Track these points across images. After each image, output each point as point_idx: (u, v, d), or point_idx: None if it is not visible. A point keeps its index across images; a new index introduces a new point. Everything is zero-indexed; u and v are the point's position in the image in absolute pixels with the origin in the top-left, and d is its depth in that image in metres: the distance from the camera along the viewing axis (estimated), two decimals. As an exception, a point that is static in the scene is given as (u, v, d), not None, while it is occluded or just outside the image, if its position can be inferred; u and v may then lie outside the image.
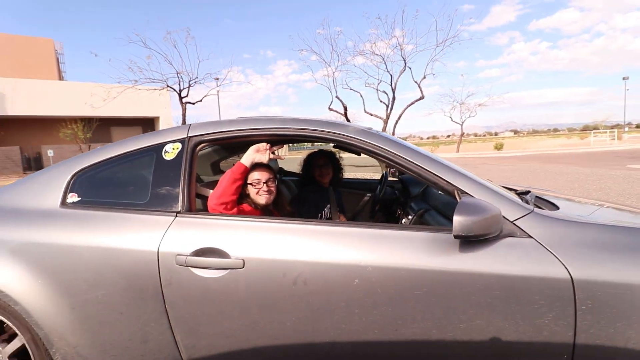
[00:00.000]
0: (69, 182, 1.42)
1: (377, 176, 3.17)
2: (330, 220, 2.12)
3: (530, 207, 1.21)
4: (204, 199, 1.60)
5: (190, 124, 1.46)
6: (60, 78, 28.06)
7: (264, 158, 1.50)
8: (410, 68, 15.96)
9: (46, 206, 1.38)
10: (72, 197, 1.40)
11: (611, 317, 1.04)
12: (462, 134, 27.82)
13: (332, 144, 1.76)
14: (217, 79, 16.78)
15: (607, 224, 1.20)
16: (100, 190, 1.42)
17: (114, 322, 1.24)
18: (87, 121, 21.28)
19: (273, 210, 1.72)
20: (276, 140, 1.56)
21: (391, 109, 16.31)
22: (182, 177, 1.35)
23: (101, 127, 22.36)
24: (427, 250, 1.14)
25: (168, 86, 15.60)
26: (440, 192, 1.62)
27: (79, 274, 1.25)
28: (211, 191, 1.50)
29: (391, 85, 16.14)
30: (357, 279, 1.14)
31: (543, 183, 7.64)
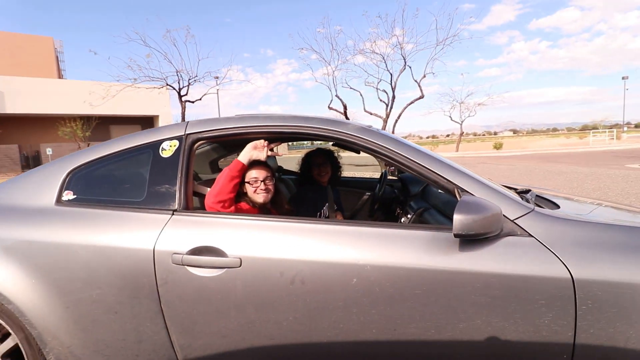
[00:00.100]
0: (64, 180, 1.40)
1: (377, 175, 3.16)
2: (328, 219, 2.10)
3: (531, 205, 1.19)
4: (202, 197, 1.58)
5: (188, 121, 1.44)
6: (60, 76, 27.99)
7: (261, 155, 1.48)
8: (410, 67, 15.94)
9: (41, 204, 1.36)
10: (68, 195, 1.38)
11: (611, 316, 1.03)
12: (462, 134, 27.81)
13: (330, 143, 1.75)
14: (217, 77, 16.76)
15: (608, 223, 1.19)
16: (96, 188, 1.41)
17: (108, 322, 1.23)
18: (86, 119, 21.23)
19: (271, 209, 1.71)
20: (275, 138, 1.54)
21: (391, 108, 16.29)
22: (179, 175, 1.34)
23: (100, 126, 22.30)
24: (426, 249, 1.12)
25: (167, 85, 15.56)
26: (440, 190, 1.60)
27: (73, 273, 1.23)
28: (209, 189, 1.48)
29: (391, 84, 16.12)
30: (355, 278, 1.12)
31: (542, 182, 7.64)
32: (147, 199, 1.32)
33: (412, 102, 16.52)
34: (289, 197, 2.29)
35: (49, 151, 20.73)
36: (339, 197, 2.40)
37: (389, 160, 1.28)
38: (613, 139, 26.95)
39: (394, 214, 2.58)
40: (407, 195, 2.51)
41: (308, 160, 2.22)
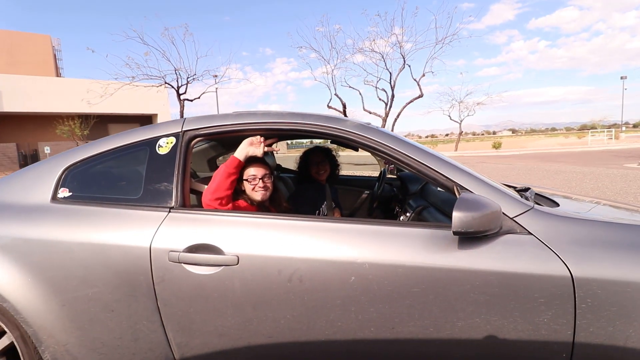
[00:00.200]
0: (60, 177, 1.39)
1: (376, 174, 3.15)
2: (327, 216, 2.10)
3: (530, 203, 1.18)
4: (199, 194, 1.57)
5: (185, 118, 1.43)
6: (58, 75, 27.88)
7: (258, 151, 1.47)
8: (409, 66, 15.91)
9: (36, 201, 1.35)
10: (63, 192, 1.36)
11: (611, 315, 1.02)
12: (461, 133, 27.84)
13: (329, 141, 1.74)
14: (216, 76, 16.71)
15: (608, 221, 1.19)
16: (92, 185, 1.39)
17: (104, 320, 1.21)
18: (84, 118, 21.17)
19: (270, 207, 1.70)
20: (273, 135, 1.53)
21: (390, 106, 16.28)
22: (176, 172, 1.32)
23: (98, 124, 22.24)
24: (425, 247, 1.11)
25: (166, 83, 15.51)
26: (439, 189, 1.60)
27: (69, 271, 1.22)
28: (206, 186, 1.47)
29: (390, 83, 16.10)
30: (353, 276, 1.11)
31: (541, 182, 7.65)
32: (143, 197, 1.31)
33: (411, 101, 16.50)
34: (287, 195, 2.28)
35: (47, 150, 20.67)
36: (337, 195, 2.40)
37: (388, 157, 1.27)
38: (611, 138, 27.01)
39: (393, 212, 2.57)
40: (406, 193, 2.50)
41: (306, 158, 2.22)
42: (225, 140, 2.30)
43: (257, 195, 1.59)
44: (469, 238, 1.09)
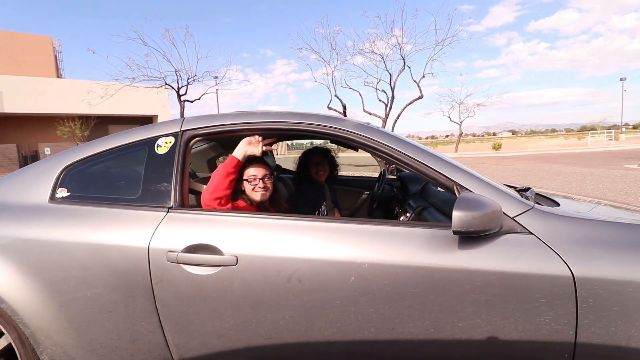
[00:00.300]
0: (58, 177, 1.38)
1: (376, 174, 3.15)
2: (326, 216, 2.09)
3: (531, 203, 1.18)
4: (198, 194, 1.56)
5: (184, 118, 1.43)
6: (59, 76, 27.92)
7: (256, 150, 1.46)
8: (409, 67, 15.94)
9: (34, 201, 1.34)
10: (62, 192, 1.36)
11: (613, 315, 1.01)
12: (461, 134, 27.84)
13: (328, 142, 1.73)
14: (216, 77, 16.73)
15: (609, 220, 1.18)
16: (90, 185, 1.39)
17: (102, 321, 1.21)
18: (84, 119, 21.19)
19: (269, 207, 1.69)
20: (272, 135, 1.52)
21: (390, 108, 16.29)
22: (174, 172, 1.32)
23: (99, 125, 22.26)
24: (425, 247, 1.11)
25: (166, 84, 15.53)
26: (439, 188, 1.59)
27: (67, 271, 1.21)
28: (205, 186, 1.46)
29: (390, 84, 16.12)
30: (353, 276, 1.11)
31: (541, 183, 7.64)
32: (142, 196, 1.30)
33: (411, 102, 16.52)
34: (287, 196, 2.27)
35: (47, 151, 20.68)
36: (336, 195, 2.39)
37: (388, 157, 1.27)
38: (611, 139, 27.01)
39: (393, 212, 2.57)
40: (406, 194, 2.49)
41: (305, 159, 2.21)
42: (224, 140, 2.29)
43: (257, 195, 1.58)
44: (469, 238, 1.08)
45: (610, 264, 1.03)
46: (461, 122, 25.71)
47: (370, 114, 16.91)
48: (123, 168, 1.44)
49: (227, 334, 1.17)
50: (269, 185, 1.62)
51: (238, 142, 1.48)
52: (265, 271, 1.14)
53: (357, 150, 1.70)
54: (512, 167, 12.06)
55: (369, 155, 1.64)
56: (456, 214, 1.01)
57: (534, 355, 1.06)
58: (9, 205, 1.35)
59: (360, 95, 17.24)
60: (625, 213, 1.48)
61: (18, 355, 1.26)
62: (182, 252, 1.17)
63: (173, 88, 15.65)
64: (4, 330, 1.26)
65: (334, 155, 2.28)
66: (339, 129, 1.31)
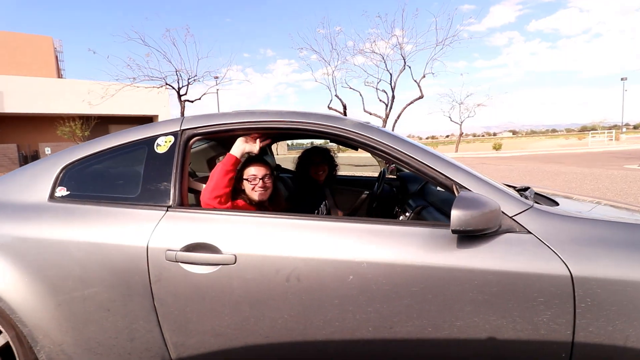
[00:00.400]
0: (58, 176, 1.38)
1: (376, 174, 3.14)
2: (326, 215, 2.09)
3: (530, 202, 1.18)
4: (197, 193, 1.57)
5: (184, 117, 1.43)
6: (59, 76, 27.95)
7: (254, 148, 1.46)
8: (409, 67, 15.94)
9: (34, 200, 1.35)
10: (61, 191, 1.36)
11: (611, 315, 1.01)
12: (461, 134, 27.82)
13: (328, 140, 1.73)
14: (217, 77, 16.74)
15: (607, 220, 1.18)
16: (90, 184, 1.39)
17: (100, 320, 1.21)
18: (85, 119, 21.20)
19: (269, 207, 1.69)
20: (272, 134, 1.52)
21: (390, 108, 16.29)
22: (174, 171, 1.32)
23: (99, 126, 22.27)
24: (423, 246, 1.10)
25: (167, 84, 15.53)
26: (438, 188, 1.59)
27: (65, 270, 1.21)
28: (204, 185, 1.46)
29: (391, 84, 16.12)
30: (351, 275, 1.11)
31: (541, 183, 7.64)
32: (141, 195, 1.30)
33: (411, 102, 16.52)
34: (286, 196, 2.27)
35: (47, 150, 20.70)
36: (334, 195, 2.39)
37: (387, 156, 1.27)
38: (612, 140, 26.98)
39: (392, 212, 2.56)
40: (406, 193, 2.49)
41: (305, 159, 2.21)
42: (224, 139, 2.29)
43: (257, 195, 1.58)
44: (468, 237, 1.08)
45: (609, 263, 1.03)
46: (461, 122, 25.71)
47: (370, 114, 16.91)
48: (123, 167, 1.44)
49: (225, 332, 1.17)
50: (268, 184, 1.62)
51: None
52: (264, 270, 1.14)
53: (357, 149, 1.70)
54: (513, 167, 12.06)
55: (369, 155, 1.64)
56: (455, 213, 1.01)
57: (532, 354, 1.06)
58: (8, 203, 1.35)
59: (360, 95, 17.26)
60: (625, 213, 1.48)
61: (16, 354, 1.27)
62: (180, 250, 1.17)
63: (173, 88, 15.66)
64: (1, 329, 1.26)
65: (333, 155, 2.29)
66: (338, 128, 1.31)
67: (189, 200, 1.42)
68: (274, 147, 3.47)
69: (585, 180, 7.63)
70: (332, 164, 2.27)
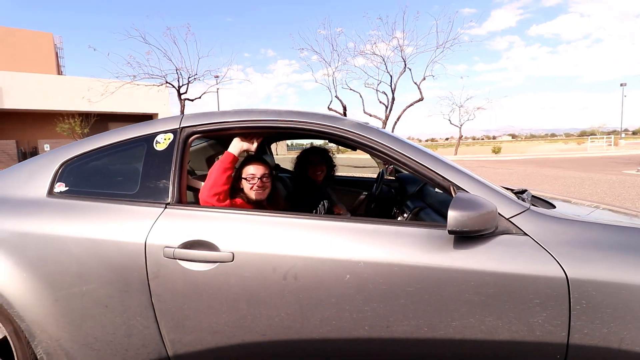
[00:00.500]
0: (57, 172, 1.38)
1: (375, 176, 3.15)
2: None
3: (527, 204, 1.18)
4: (196, 191, 1.57)
5: (183, 115, 1.43)
6: (59, 72, 27.92)
7: (252, 146, 1.47)
8: (410, 69, 15.99)
9: (33, 195, 1.35)
10: (60, 187, 1.36)
11: (606, 317, 1.02)
12: (461, 137, 27.88)
13: (326, 140, 1.74)
14: (217, 76, 16.75)
15: (603, 223, 1.18)
16: (88, 180, 1.39)
17: (98, 315, 1.21)
18: (84, 116, 21.18)
19: (267, 206, 1.69)
20: (271, 133, 1.53)
21: (390, 109, 16.33)
22: (173, 168, 1.32)
23: (99, 123, 22.24)
24: (420, 246, 1.11)
25: (167, 82, 15.53)
26: (436, 189, 1.60)
27: (64, 266, 1.22)
28: (202, 183, 1.47)
29: (391, 86, 16.16)
30: (348, 274, 1.11)
31: (540, 186, 7.66)
32: (140, 192, 1.31)
33: (411, 104, 16.56)
34: (285, 195, 2.28)
35: (46, 147, 20.67)
36: (332, 195, 2.40)
37: (385, 157, 1.27)
38: (611, 145, 27.06)
39: (390, 213, 2.57)
40: (404, 195, 2.50)
41: (303, 158, 2.22)
42: (223, 138, 2.29)
43: (254, 194, 1.59)
44: (465, 238, 1.09)
45: (604, 266, 1.04)
46: (461, 125, 25.77)
47: (370, 115, 16.94)
48: (121, 164, 1.44)
49: (222, 329, 1.17)
50: (267, 184, 1.62)
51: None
52: (261, 268, 1.14)
53: (355, 150, 1.70)
54: (512, 170, 12.08)
55: (368, 156, 1.65)
56: (452, 214, 1.02)
57: (527, 356, 1.07)
58: (7, 199, 1.35)
59: (360, 96, 17.29)
60: (623, 217, 1.49)
61: (13, 349, 1.27)
62: (178, 247, 1.18)
63: (174, 86, 15.66)
64: (-1, 324, 1.27)
65: (331, 155, 2.29)
66: (337, 128, 1.32)
67: (188, 198, 1.42)
68: (273, 147, 3.47)
69: (584, 185, 7.65)
70: (331, 164, 2.27)
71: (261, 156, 1.64)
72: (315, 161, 2.18)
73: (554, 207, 1.42)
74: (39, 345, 1.23)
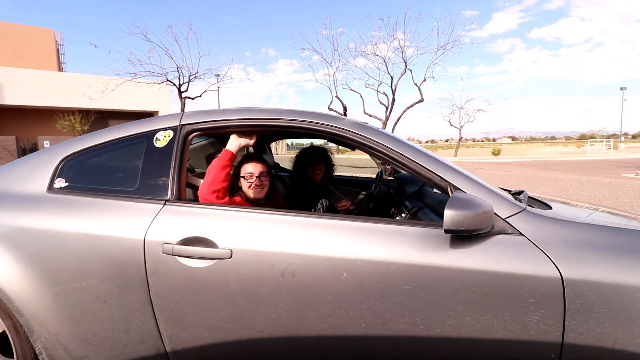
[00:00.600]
0: (57, 167, 1.39)
1: (374, 176, 3.16)
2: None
3: (523, 205, 1.19)
4: (195, 188, 1.58)
5: (183, 112, 1.44)
6: (60, 69, 27.90)
7: (250, 141, 1.47)
8: (410, 70, 16.00)
9: (33, 191, 1.35)
10: (60, 183, 1.37)
11: (600, 317, 1.03)
12: (461, 139, 27.91)
13: (326, 140, 1.75)
14: (218, 75, 16.75)
15: (599, 224, 1.19)
16: (88, 176, 1.40)
17: (96, 311, 1.22)
18: (85, 113, 21.17)
19: (266, 205, 1.70)
20: (270, 132, 1.54)
21: (390, 110, 16.34)
22: (172, 165, 1.33)
23: (99, 120, 22.22)
24: (417, 245, 1.12)
25: (168, 80, 15.53)
26: (434, 189, 1.61)
27: (63, 261, 1.22)
28: (202, 180, 1.48)
29: (391, 86, 16.18)
30: (345, 272, 1.12)
31: (539, 189, 7.67)
32: (139, 189, 1.32)
33: (411, 105, 16.57)
34: (283, 194, 2.28)
35: (46, 143, 20.66)
36: (330, 195, 2.41)
37: (384, 157, 1.28)
38: (610, 148, 27.11)
39: (389, 213, 2.58)
40: (403, 195, 2.51)
41: (302, 158, 2.23)
42: (223, 136, 2.30)
43: (252, 193, 1.60)
44: (461, 237, 1.10)
45: (599, 266, 1.05)
46: (461, 127, 25.79)
47: (370, 116, 16.96)
48: (121, 160, 1.45)
49: (220, 326, 1.18)
50: (265, 183, 1.63)
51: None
52: (259, 265, 1.15)
53: (354, 149, 1.71)
54: (511, 172, 12.10)
55: (368, 156, 1.66)
56: (448, 213, 1.03)
57: (522, 354, 1.08)
58: (7, 194, 1.36)
59: (361, 97, 17.31)
60: (621, 220, 1.50)
61: (12, 343, 1.27)
62: (177, 244, 1.19)
63: (174, 84, 15.66)
64: (-2, 318, 1.27)
65: (330, 154, 2.30)
66: (336, 127, 1.32)
67: (187, 195, 1.43)
68: (273, 146, 3.48)
69: (583, 188, 7.67)
70: (329, 164, 2.28)
71: (259, 155, 1.65)
72: (314, 160, 2.19)
73: (550, 208, 1.43)
74: (37, 340, 1.23)
